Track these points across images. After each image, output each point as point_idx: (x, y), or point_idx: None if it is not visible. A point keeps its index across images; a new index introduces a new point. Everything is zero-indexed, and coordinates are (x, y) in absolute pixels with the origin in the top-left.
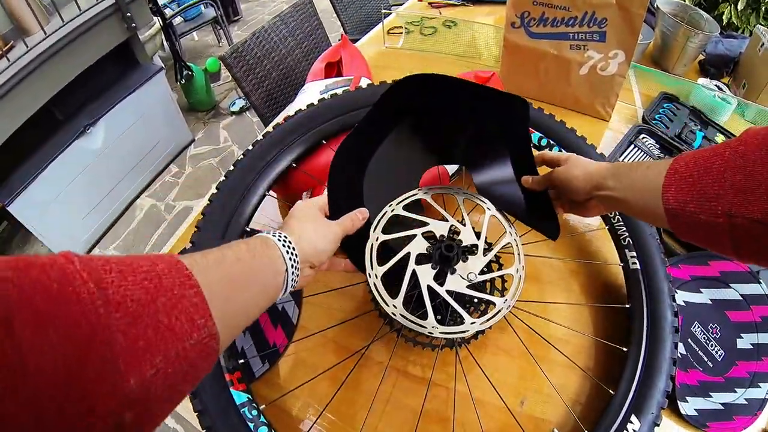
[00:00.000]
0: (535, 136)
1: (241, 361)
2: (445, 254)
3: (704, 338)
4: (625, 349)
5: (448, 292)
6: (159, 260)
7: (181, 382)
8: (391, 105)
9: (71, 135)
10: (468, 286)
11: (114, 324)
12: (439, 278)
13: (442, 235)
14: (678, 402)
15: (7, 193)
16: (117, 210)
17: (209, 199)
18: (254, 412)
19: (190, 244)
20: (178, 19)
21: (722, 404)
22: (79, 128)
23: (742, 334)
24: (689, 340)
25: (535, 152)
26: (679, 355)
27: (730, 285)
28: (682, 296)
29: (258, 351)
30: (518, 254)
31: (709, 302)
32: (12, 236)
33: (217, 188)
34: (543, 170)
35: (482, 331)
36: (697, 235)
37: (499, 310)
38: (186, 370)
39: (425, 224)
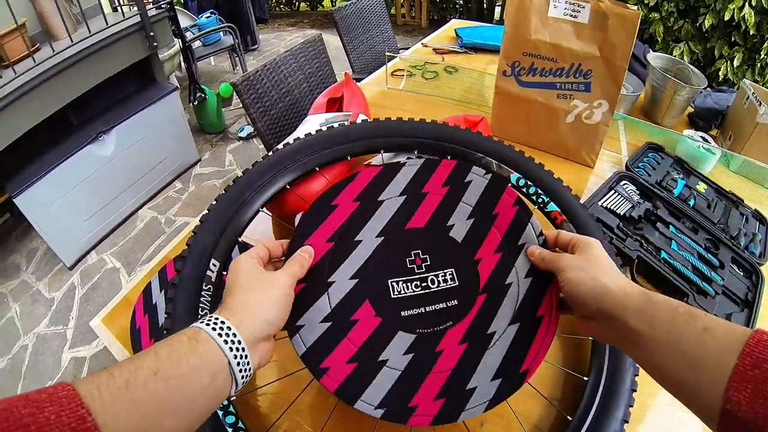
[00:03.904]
0: (514, 177)
1: None
2: None
3: None
4: (585, 378)
5: None
6: (48, 401)
7: None
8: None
9: (84, 140)
10: None
11: None
12: None
13: None
14: None
15: (15, 185)
16: (119, 217)
17: (207, 209)
18: (224, 402)
19: (186, 246)
20: (197, 43)
21: None
22: (92, 134)
23: None
24: None
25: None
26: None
27: None
28: None
29: None
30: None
31: None
32: (13, 229)
33: (215, 200)
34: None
35: None
36: None
37: None
38: None
39: None
